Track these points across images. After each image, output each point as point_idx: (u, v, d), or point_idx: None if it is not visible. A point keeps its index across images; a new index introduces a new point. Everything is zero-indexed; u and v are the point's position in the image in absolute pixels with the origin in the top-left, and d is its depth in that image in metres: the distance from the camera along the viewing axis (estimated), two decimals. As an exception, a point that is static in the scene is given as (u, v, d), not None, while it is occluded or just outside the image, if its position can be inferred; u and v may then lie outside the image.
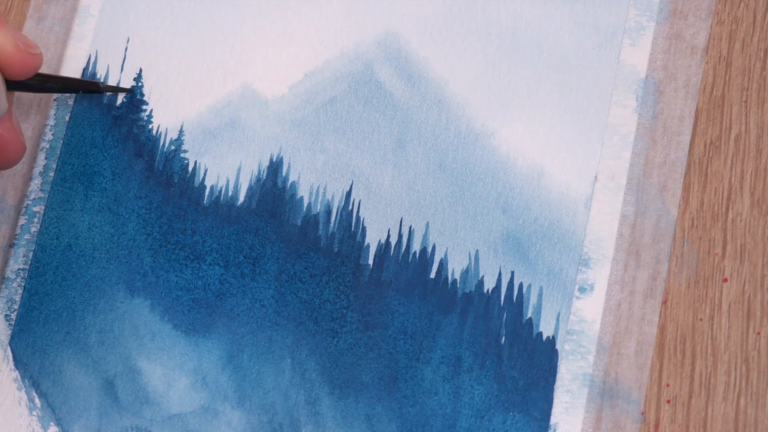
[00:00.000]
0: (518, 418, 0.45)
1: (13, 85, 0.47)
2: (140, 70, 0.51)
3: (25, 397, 0.49)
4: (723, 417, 0.45)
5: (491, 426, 0.45)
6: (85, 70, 0.51)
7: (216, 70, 0.51)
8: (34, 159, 0.51)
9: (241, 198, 0.49)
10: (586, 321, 0.46)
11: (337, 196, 0.48)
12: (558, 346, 0.46)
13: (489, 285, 0.47)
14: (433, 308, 0.47)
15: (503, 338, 0.46)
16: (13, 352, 0.49)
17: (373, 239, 0.48)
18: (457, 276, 0.47)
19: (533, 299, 0.46)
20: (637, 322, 0.46)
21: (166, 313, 0.48)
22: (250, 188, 0.49)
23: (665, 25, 0.48)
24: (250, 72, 0.50)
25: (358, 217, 0.48)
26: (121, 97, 0.51)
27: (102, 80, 0.51)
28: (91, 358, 0.49)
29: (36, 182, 0.50)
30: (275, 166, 0.49)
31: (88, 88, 0.50)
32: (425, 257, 0.47)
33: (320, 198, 0.49)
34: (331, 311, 0.47)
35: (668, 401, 0.45)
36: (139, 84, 0.51)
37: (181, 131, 0.50)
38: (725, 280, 0.46)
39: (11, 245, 0.50)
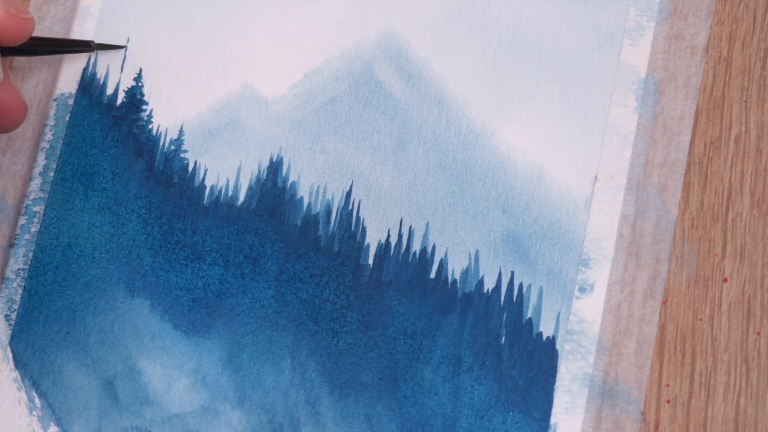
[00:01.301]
0: (518, 418, 0.45)
1: (5, 51, 0.47)
2: (140, 70, 0.51)
3: (25, 397, 0.49)
4: (723, 417, 0.45)
5: (491, 426, 0.45)
6: (85, 70, 0.51)
7: (216, 70, 0.51)
8: (34, 159, 0.51)
9: (241, 198, 0.49)
10: (586, 321, 0.46)
11: (337, 196, 0.48)
12: (558, 346, 0.46)
13: (489, 285, 0.47)
14: (433, 308, 0.47)
15: (503, 338, 0.46)
16: (13, 352, 0.49)
17: (373, 239, 0.48)
18: (457, 276, 0.47)
19: (533, 299, 0.46)
20: (637, 322, 0.46)
21: (166, 313, 0.48)
22: (250, 188, 0.49)
23: (665, 25, 0.48)
24: (250, 72, 0.50)
25: (358, 217, 0.48)
26: (121, 97, 0.51)
27: (102, 80, 0.51)
28: (91, 358, 0.49)
29: (36, 182, 0.50)
30: (275, 166, 0.49)
31: (80, 47, 0.50)
32: (425, 257, 0.47)
33: (320, 198, 0.49)
34: (331, 311, 0.47)
35: (668, 401, 0.45)
36: (139, 84, 0.51)
37: (181, 131, 0.50)
38: (725, 280, 0.46)
39: (11, 245, 0.50)
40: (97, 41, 0.51)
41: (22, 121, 0.48)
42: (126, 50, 0.51)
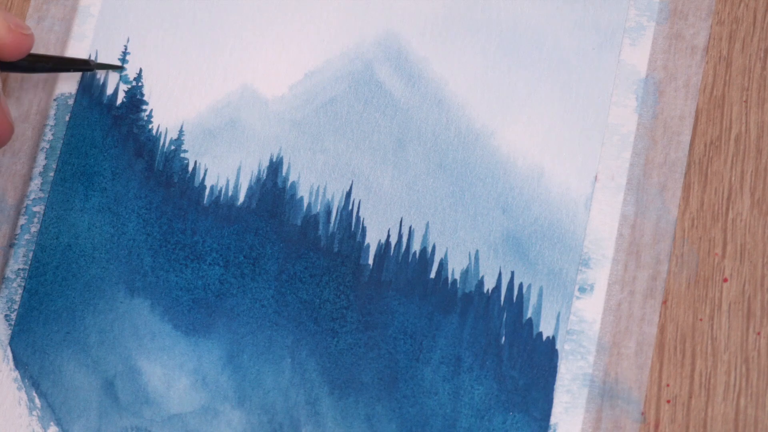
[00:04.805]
0: (518, 418, 0.45)
1: (3, 66, 0.47)
2: (140, 70, 0.51)
3: (25, 397, 0.49)
4: (723, 417, 0.45)
5: (491, 426, 0.45)
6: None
7: (216, 70, 0.51)
8: (34, 159, 0.51)
9: (241, 198, 0.49)
10: (586, 321, 0.46)
11: (337, 196, 0.48)
12: (558, 346, 0.46)
13: (489, 285, 0.47)
14: (433, 308, 0.47)
15: (503, 338, 0.46)
16: (13, 352, 0.49)
17: (373, 239, 0.48)
18: (457, 276, 0.47)
19: (533, 299, 0.46)
20: (637, 322, 0.46)
21: (166, 313, 0.48)
22: (250, 188, 0.49)
23: (665, 25, 0.48)
24: (250, 72, 0.50)
25: (358, 217, 0.48)
26: (121, 97, 0.51)
27: (102, 80, 0.51)
28: (91, 358, 0.49)
29: (36, 182, 0.50)
30: (275, 166, 0.49)
31: (78, 66, 0.50)
32: (425, 257, 0.47)
33: (320, 198, 0.49)
34: (331, 311, 0.47)
35: (668, 401, 0.45)
36: (139, 84, 0.51)
37: (181, 131, 0.50)
38: (725, 280, 0.46)
39: (11, 245, 0.50)
40: (97, 41, 0.51)
41: (7, 142, 0.48)
42: (126, 52, 0.51)
